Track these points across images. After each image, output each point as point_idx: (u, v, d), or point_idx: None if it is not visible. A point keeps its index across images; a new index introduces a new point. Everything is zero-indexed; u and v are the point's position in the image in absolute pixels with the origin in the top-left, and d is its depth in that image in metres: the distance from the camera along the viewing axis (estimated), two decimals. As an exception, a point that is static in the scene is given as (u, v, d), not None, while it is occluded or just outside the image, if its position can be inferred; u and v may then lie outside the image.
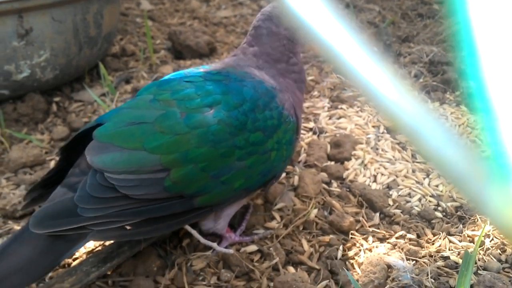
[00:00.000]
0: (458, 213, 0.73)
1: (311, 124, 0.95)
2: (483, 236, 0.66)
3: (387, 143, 0.90)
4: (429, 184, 0.80)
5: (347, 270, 0.63)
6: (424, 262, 0.63)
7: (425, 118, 0.16)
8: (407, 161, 0.86)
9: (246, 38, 0.71)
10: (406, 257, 0.64)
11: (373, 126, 0.95)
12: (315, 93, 1.08)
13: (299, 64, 0.70)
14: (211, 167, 0.57)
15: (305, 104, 1.02)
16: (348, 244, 0.68)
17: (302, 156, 0.86)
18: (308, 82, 1.15)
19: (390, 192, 0.78)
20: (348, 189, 0.79)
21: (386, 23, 1.53)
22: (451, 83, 1.14)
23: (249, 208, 0.73)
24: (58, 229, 0.52)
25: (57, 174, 0.62)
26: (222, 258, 0.65)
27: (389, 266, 0.63)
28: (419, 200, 0.76)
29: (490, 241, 0.67)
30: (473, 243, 0.66)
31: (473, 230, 0.69)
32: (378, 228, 0.71)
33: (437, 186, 0.79)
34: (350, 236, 0.69)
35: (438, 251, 0.65)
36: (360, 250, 0.67)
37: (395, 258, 0.64)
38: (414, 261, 0.63)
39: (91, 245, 0.67)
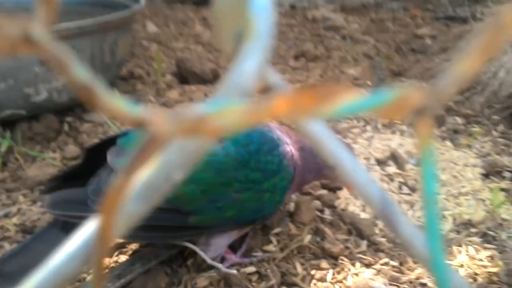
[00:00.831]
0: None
1: (306, 154, 1.03)
2: (457, 266, 0.74)
3: (376, 174, 0.97)
4: (412, 215, 0.87)
5: (336, 292, 0.70)
6: (405, 287, 0.71)
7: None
8: (393, 192, 0.93)
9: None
10: (389, 282, 0.71)
11: (365, 158, 1.02)
12: (311, 123, 1.16)
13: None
14: (210, 192, 0.65)
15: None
16: (338, 269, 0.75)
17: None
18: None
19: (377, 222, 0.86)
20: (339, 217, 0.86)
21: (380, 58, 1.62)
22: (438, 119, 1.22)
23: (249, 232, 0.80)
24: (67, 213, 0.59)
25: (77, 170, 0.69)
26: (223, 277, 0.72)
27: (373, 290, 0.70)
28: (403, 230, 0.84)
29: (464, 271, 0.74)
30: (449, 272, 0.74)
31: (449, 260, 0.76)
32: (365, 255, 0.78)
33: (419, 217, 0.87)
34: (340, 261, 0.76)
35: (417, 278, 0.73)
36: (348, 274, 0.74)
37: (379, 283, 0.71)
38: (396, 287, 0.71)
39: (109, 262, 0.74)
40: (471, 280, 0.73)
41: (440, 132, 1.16)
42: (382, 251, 0.79)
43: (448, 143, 1.11)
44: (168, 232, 0.66)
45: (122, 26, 1.15)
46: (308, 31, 2.02)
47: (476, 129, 1.20)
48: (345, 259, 0.77)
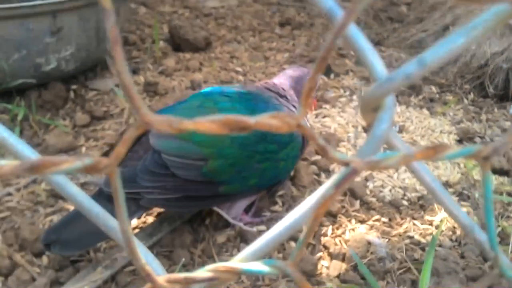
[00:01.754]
0: (420, 202, 0.93)
1: (301, 122, 1.13)
2: (439, 222, 0.87)
3: (362, 140, 1.09)
4: (397, 178, 0.99)
5: (336, 245, 0.82)
6: (395, 240, 0.83)
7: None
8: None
9: (278, 77, 0.89)
10: (382, 236, 0.84)
11: (353, 126, 1.13)
12: (303, 92, 1.25)
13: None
14: (237, 164, 0.75)
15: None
16: (336, 225, 0.87)
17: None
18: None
19: (368, 184, 0.97)
20: (334, 180, 0.97)
21: (361, 26, 1.70)
22: (416, 88, 1.34)
23: (257, 196, 0.90)
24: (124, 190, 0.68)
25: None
26: (239, 234, 0.82)
27: (369, 243, 0.82)
28: (390, 190, 0.96)
29: (445, 225, 0.87)
30: (431, 226, 0.87)
31: (431, 216, 0.89)
32: (359, 213, 0.90)
33: (404, 179, 0.99)
34: (338, 218, 0.88)
35: (405, 232, 0.85)
36: (345, 229, 0.86)
37: (373, 237, 0.83)
38: (387, 239, 0.83)
39: (139, 223, 0.83)
40: (450, 232, 0.86)
41: (417, 101, 1.28)
42: (374, 209, 0.91)
43: (425, 111, 1.23)
44: (202, 200, 0.76)
45: (123, -3, 1.19)
46: (290, -4, 2.08)
47: (449, 97, 1.32)
48: (343, 216, 0.88)
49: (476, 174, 1.01)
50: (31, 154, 0.30)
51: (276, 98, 0.85)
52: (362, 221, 0.88)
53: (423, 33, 1.61)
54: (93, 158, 0.18)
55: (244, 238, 0.82)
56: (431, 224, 0.87)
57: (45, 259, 0.73)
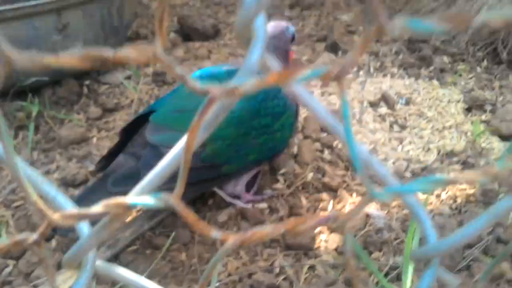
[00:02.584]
0: (423, 172, 0.93)
1: (306, 101, 1.13)
2: (440, 191, 0.86)
3: (369, 116, 1.08)
4: (402, 150, 0.99)
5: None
6: (394, 211, 0.83)
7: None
8: (385, 131, 1.05)
9: None
10: (381, 208, 0.84)
11: (359, 102, 1.13)
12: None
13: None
14: (235, 143, 0.77)
15: (301, 83, 1.20)
16: (337, 200, 0.88)
17: (300, 128, 1.05)
18: (303, 61, 1.33)
19: (371, 157, 0.97)
20: (337, 156, 0.98)
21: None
22: (426, 60, 1.31)
23: (259, 174, 0.92)
24: (127, 188, 0.71)
25: (117, 149, 0.81)
26: (240, 212, 0.85)
27: (367, 215, 0.83)
28: (393, 163, 0.96)
29: (446, 194, 0.87)
30: (432, 195, 0.86)
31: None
32: (360, 186, 0.90)
33: (408, 151, 0.98)
34: (339, 193, 0.89)
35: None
36: (346, 203, 0.87)
37: (372, 209, 0.84)
38: (386, 211, 0.84)
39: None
40: (451, 201, 0.85)
41: (427, 73, 1.26)
42: (375, 182, 0.91)
43: (435, 82, 1.21)
44: (205, 183, 0.79)
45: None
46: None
47: (461, 66, 1.29)
48: (343, 191, 0.89)
49: (484, 142, 0.99)
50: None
51: None
52: (363, 195, 0.89)
53: (435, 2, 1.58)
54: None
55: (245, 216, 0.84)
56: (432, 194, 0.87)
57: (53, 243, 0.78)
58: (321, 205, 0.86)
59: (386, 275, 0.73)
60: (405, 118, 1.08)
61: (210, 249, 0.79)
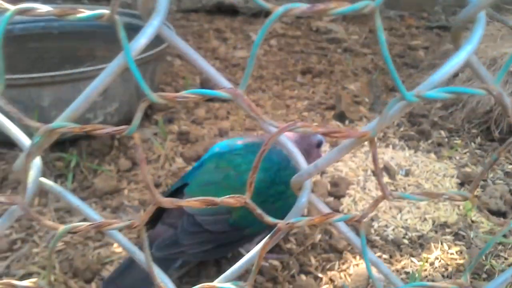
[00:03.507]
0: (419, 241, 1.04)
1: (316, 166, 1.26)
2: (433, 258, 0.97)
3: (372, 184, 1.21)
4: (401, 218, 1.11)
5: (341, 279, 0.94)
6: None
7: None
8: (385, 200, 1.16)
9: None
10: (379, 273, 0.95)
11: (363, 170, 1.25)
12: (319, 138, 1.39)
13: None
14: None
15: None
16: (342, 261, 0.99)
17: (310, 193, 1.16)
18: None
19: (373, 223, 1.09)
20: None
21: (376, 75, 1.84)
22: (425, 133, 1.45)
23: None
24: (169, 252, 0.82)
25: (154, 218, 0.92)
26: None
27: (369, 277, 0.93)
28: (393, 230, 1.07)
29: (439, 262, 0.98)
30: (427, 262, 0.97)
31: (427, 254, 1.00)
32: (363, 250, 1.01)
33: (406, 220, 1.10)
34: (344, 254, 1.00)
35: (403, 268, 0.96)
36: (350, 265, 0.97)
37: (374, 272, 0.94)
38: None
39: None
40: (443, 269, 0.96)
41: (426, 146, 1.39)
42: (377, 247, 1.02)
43: (432, 155, 1.34)
44: (232, 244, 0.90)
45: (160, 58, 1.37)
46: (313, 44, 2.24)
47: (457, 141, 1.43)
48: (348, 253, 1.00)
49: (474, 216, 1.11)
50: (95, 216, 0.45)
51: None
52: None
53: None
54: (127, 222, 0.33)
55: (260, 271, 0.95)
56: (427, 261, 0.98)
57: (93, 285, 0.88)
58: (328, 265, 0.97)
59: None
60: (404, 188, 1.20)
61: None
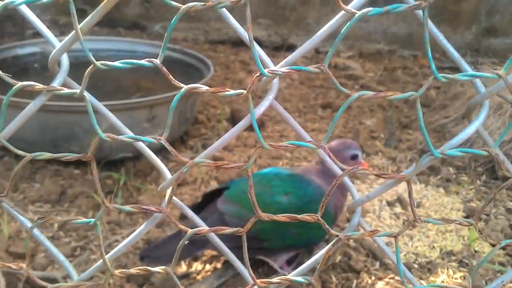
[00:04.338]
0: (428, 266, 1.18)
1: (336, 195, 1.40)
2: (439, 281, 1.11)
3: (386, 213, 1.35)
4: (412, 245, 1.24)
5: (358, 295, 1.07)
6: (404, 294, 1.08)
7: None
8: (398, 227, 1.30)
9: (316, 161, 1.16)
10: (394, 291, 1.08)
11: (378, 200, 1.40)
12: (339, 169, 1.53)
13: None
14: (277, 228, 1.02)
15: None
16: (359, 280, 1.12)
17: (331, 218, 1.30)
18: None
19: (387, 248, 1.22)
20: (360, 244, 1.23)
21: (390, 112, 2.00)
22: (435, 170, 1.59)
23: (300, 253, 1.17)
24: (196, 237, 0.97)
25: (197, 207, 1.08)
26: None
27: (383, 295, 1.07)
28: (404, 255, 1.21)
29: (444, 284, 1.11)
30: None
31: (434, 277, 1.13)
32: (378, 271, 1.15)
33: (416, 247, 1.24)
34: (361, 274, 1.13)
35: (413, 289, 1.10)
36: (367, 284, 1.11)
37: (387, 291, 1.08)
38: (398, 293, 1.08)
39: (211, 268, 1.11)
40: (448, 291, 1.09)
41: (435, 180, 1.54)
42: (390, 269, 1.16)
43: (441, 190, 1.49)
44: (251, 251, 1.04)
45: (200, 90, 1.53)
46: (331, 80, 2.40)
47: (464, 178, 1.57)
48: (365, 274, 1.14)
49: (477, 246, 1.24)
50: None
51: (315, 179, 1.13)
52: (380, 278, 1.13)
53: (446, 119, 1.89)
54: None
55: (287, 285, 1.09)
56: (434, 283, 1.11)
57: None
58: (347, 283, 1.11)
59: None
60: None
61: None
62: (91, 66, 0.45)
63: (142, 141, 0.48)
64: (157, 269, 0.54)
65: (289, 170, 1.13)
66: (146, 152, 0.54)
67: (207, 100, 1.99)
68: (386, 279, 1.13)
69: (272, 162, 1.57)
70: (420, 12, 0.42)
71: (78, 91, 0.47)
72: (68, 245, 1.14)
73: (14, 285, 0.99)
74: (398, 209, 1.37)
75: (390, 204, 1.39)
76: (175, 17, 0.40)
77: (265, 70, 0.47)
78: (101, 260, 0.55)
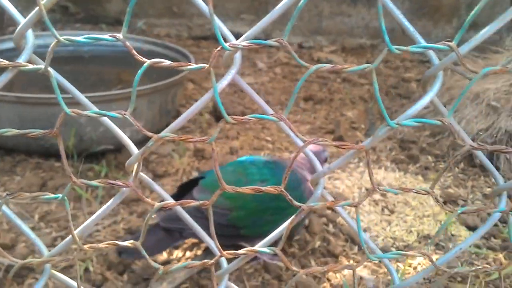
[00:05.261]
0: (405, 249, 1.20)
1: (316, 183, 1.42)
2: (416, 263, 1.13)
3: (366, 200, 1.37)
4: (389, 230, 1.27)
5: (336, 278, 1.09)
6: (381, 276, 1.10)
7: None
8: (377, 213, 1.33)
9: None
10: (371, 273, 1.11)
11: (358, 188, 1.42)
12: (319, 159, 1.55)
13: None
14: (254, 215, 1.04)
15: (312, 168, 1.49)
16: (338, 264, 1.14)
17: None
18: (314, 149, 1.63)
19: (365, 234, 1.25)
20: (339, 230, 1.25)
21: (371, 104, 2.02)
22: (414, 158, 1.62)
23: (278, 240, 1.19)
24: (171, 225, 0.98)
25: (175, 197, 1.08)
26: (263, 267, 1.11)
27: (361, 278, 1.09)
28: (382, 240, 1.23)
29: (420, 267, 1.13)
30: (410, 267, 1.13)
31: (411, 260, 1.16)
32: (356, 255, 1.17)
33: (394, 231, 1.26)
34: (339, 258, 1.15)
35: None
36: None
37: (365, 273, 1.10)
38: (375, 276, 1.10)
39: (192, 254, 1.12)
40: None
41: (414, 169, 1.56)
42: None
43: (420, 177, 1.51)
44: (230, 238, 1.05)
45: (181, 82, 1.54)
46: (314, 73, 2.42)
47: (442, 166, 1.60)
48: (343, 257, 1.16)
49: (453, 230, 1.27)
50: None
51: (295, 168, 1.15)
52: (358, 262, 1.15)
53: (425, 109, 1.91)
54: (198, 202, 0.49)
55: (267, 270, 1.10)
56: (410, 266, 1.14)
57: (125, 276, 1.03)
58: (326, 267, 1.12)
59: (372, 323, 0.98)
60: (394, 205, 1.36)
61: (241, 293, 1.04)
62: (54, 42, 0.46)
63: (107, 116, 0.49)
64: (126, 243, 0.55)
65: (265, 157, 1.15)
66: (111, 127, 0.55)
67: (189, 93, 2.00)
68: (364, 263, 1.15)
69: (254, 153, 1.59)
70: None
71: (42, 67, 0.48)
72: (49, 235, 1.14)
73: (-6, 275, 1.00)
74: (377, 196, 1.39)
75: (370, 192, 1.41)
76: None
77: (226, 44, 0.49)
78: (70, 236, 0.56)
